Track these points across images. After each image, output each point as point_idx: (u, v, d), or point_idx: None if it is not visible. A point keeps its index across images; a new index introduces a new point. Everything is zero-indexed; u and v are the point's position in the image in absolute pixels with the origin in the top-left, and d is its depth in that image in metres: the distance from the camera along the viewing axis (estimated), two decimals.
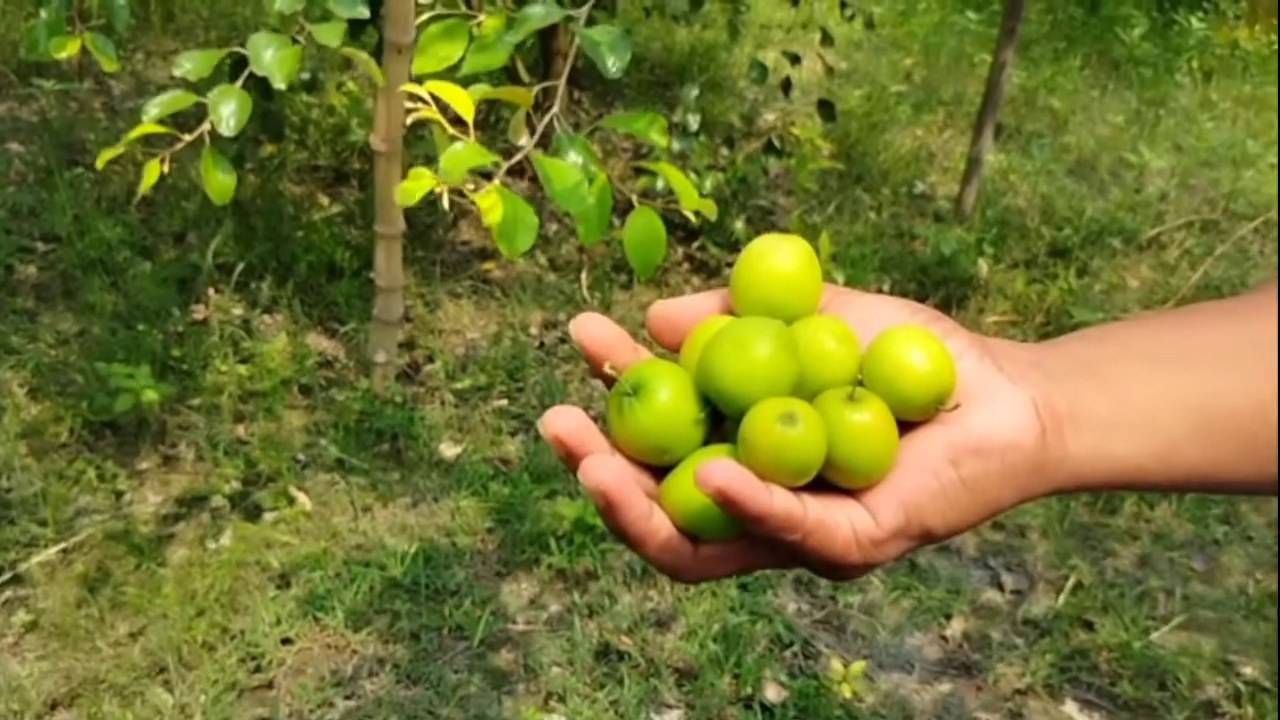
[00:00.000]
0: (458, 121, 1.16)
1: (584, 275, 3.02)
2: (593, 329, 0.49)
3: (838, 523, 0.45)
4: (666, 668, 1.97)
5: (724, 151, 3.40)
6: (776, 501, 0.43)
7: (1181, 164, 3.95)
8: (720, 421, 0.49)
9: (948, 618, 2.15)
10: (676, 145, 3.18)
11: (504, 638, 2.01)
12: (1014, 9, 3.17)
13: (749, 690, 1.94)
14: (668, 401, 0.47)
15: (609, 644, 2.01)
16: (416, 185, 1.08)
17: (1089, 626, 2.16)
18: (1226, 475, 0.50)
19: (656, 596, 2.12)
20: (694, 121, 3.14)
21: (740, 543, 0.47)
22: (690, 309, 0.52)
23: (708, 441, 0.48)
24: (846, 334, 0.49)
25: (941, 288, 3.07)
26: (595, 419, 0.46)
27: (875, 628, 2.12)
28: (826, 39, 3.21)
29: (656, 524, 0.46)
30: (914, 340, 0.47)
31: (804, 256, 0.51)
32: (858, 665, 1.97)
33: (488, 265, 3.04)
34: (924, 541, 0.47)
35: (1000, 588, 2.24)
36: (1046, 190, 3.66)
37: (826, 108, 3.17)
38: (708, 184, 3.15)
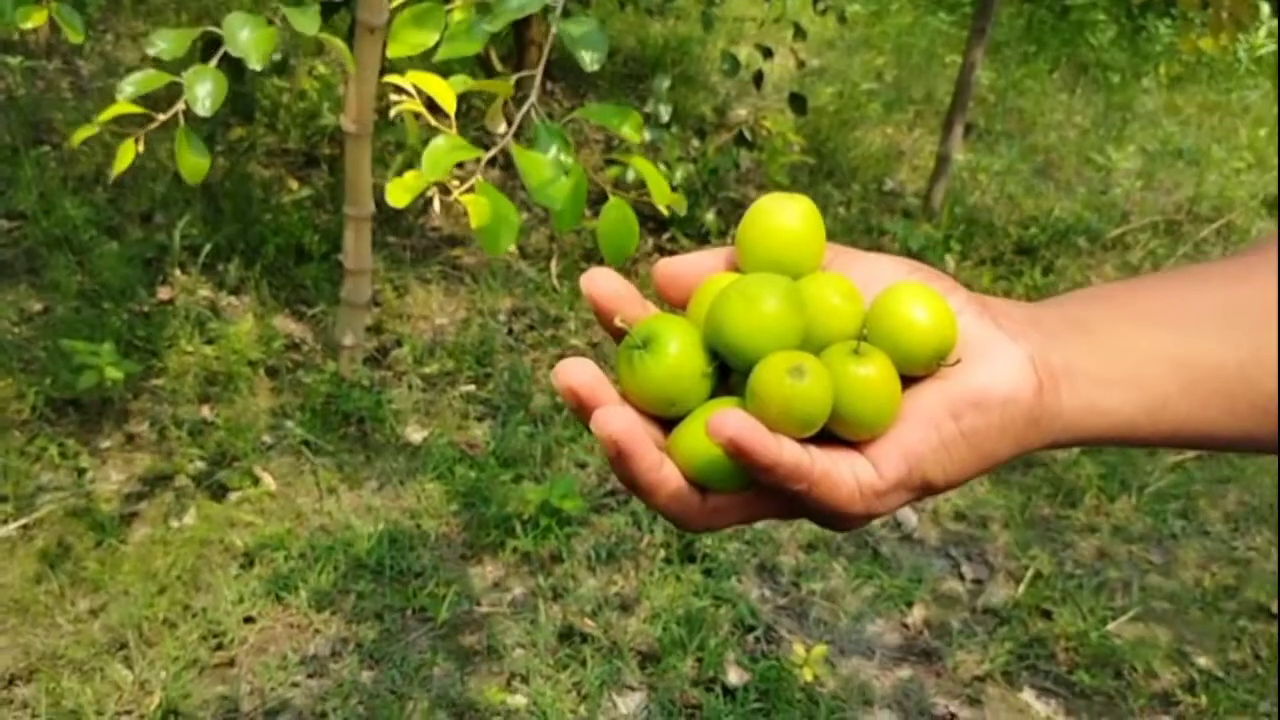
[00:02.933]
0: (436, 110, 1.16)
1: (554, 263, 3.02)
2: (603, 284, 0.50)
3: (842, 473, 0.46)
4: (629, 650, 1.98)
5: (695, 143, 3.41)
6: (785, 452, 0.44)
7: (1146, 166, 4.00)
8: (727, 375, 0.50)
9: (909, 605, 2.17)
10: (648, 136, 3.19)
11: (468, 619, 2.01)
12: (984, 11, 3.20)
13: (711, 673, 1.95)
14: (677, 354, 0.48)
15: (572, 626, 2.01)
16: (407, 189, 1.08)
17: (1047, 616, 2.18)
18: (1211, 431, 0.52)
19: (620, 580, 2.12)
20: (666, 113, 3.15)
21: (747, 493, 0.48)
22: (696, 266, 0.52)
23: (715, 395, 0.49)
24: (851, 290, 0.50)
25: None
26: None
27: (837, 614, 2.13)
28: (799, 33, 3.22)
29: (666, 474, 0.46)
30: (917, 296, 0.48)
31: (809, 215, 0.51)
32: (819, 649, 1.99)
33: (457, 251, 3.03)
34: (924, 493, 0.48)
35: (961, 577, 2.26)
36: (1014, 189, 3.70)
37: (798, 101, 3.18)
38: (679, 175, 3.16)
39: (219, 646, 1.90)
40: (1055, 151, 4.05)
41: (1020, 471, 2.54)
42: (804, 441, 0.46)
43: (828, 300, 0.49)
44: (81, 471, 2.18)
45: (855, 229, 3.34)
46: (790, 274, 0.50)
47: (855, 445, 0.48)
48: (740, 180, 3.52)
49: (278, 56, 3.07)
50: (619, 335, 0.50)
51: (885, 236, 3.30)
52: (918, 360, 0.48)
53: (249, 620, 1.95)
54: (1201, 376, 0.51)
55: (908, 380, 0.48)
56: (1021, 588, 2.23)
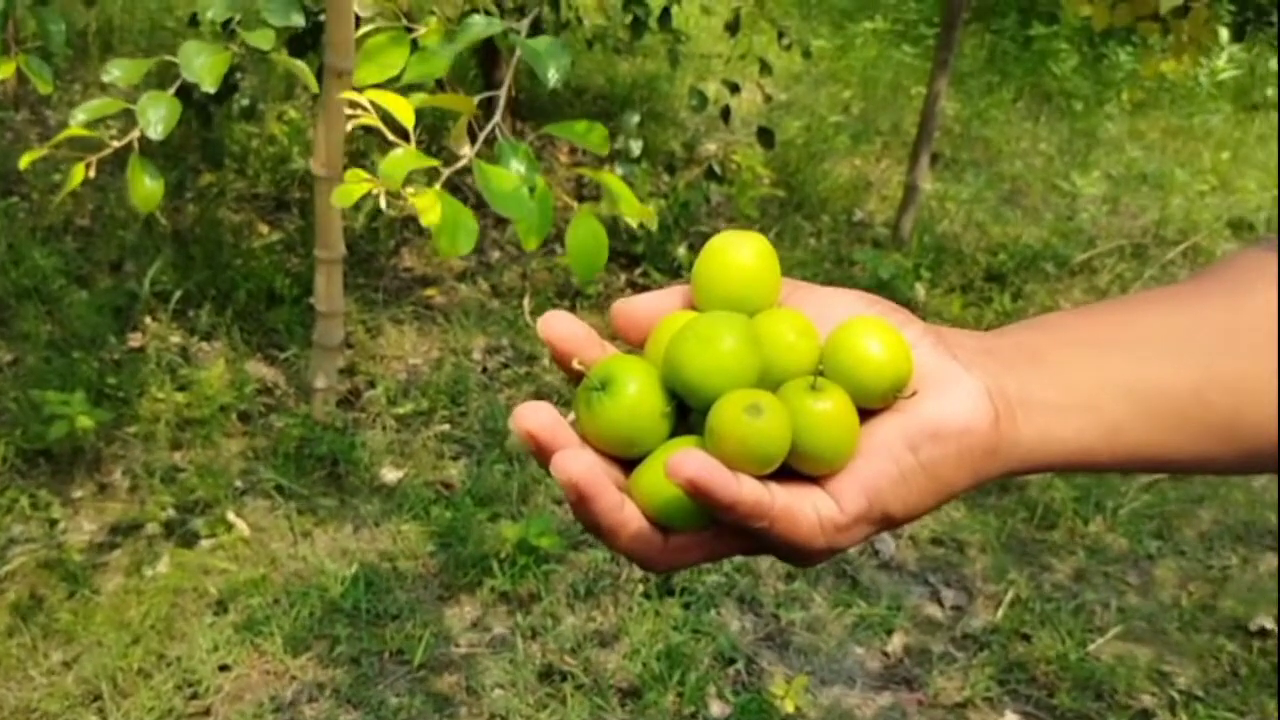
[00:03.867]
0: (398, 131, 1.17)
1: (526, 300, 3.03)
2: (559, 326, 0.50)
3: (803, 509, 0.46)
4: (610, 687, 1.96)
5: (666, 178, 3.43)
6: (745, 490, 0.44)
7: (1112, 191, 4.05)
8: (686, 414, 0.49)
9: (889, 633, 2.17)
10: (619, 171, 3.21)
11: (446, 660, 2.00)
12: (947, 43, 3.25)
13: (693, 708, 1.94)
14: (635, 395, 0.48)
15: (552, 664, 2.00)
16: (354, 188, 1.08)
17: (1027, 639, 2.18)
18: (1168, 454, 0.52)
19: (600, 616, 2.11)
20: (636, 148, 3.18)
21: (709, 531, 0.48)
22: (653, 306, 0.52)
23: (675, 434, 0.49)
24: (807, 326, 0.50)
25: None
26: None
27: (818, 643, 2.13)
28: (765, 69, 3.26)
29: (628, 515, 0.46)
30: (872, 330, 0.48)
31: (763, 252, 0.52)
32: (800, 680, 1.98)
33: (430, 291, 3.04)
34: (886, 525, 0.48)
35: (940, 603, 2.26)
36: (981, 217, 3.74)
37: (766, 135, 3.21)
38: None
39: (194, 695, 1.87)
40: (1021, 179, 4.09)
41: (996, 495, 2.55)
42: (764, 478, 0.46)
43: (784, 337, 0.49)
44: (53, 522, 2.16)
45: (826, 259, 3.36)
46: (746, 311, 0.50)
47: (815, 480, 0.48)
48: (711, 214, 3.54)
49: (245, 102, 3.08)
50: (578, 377, 0.50)
51: (855, 267, 3.32)
52: (874, 394, 0.48)
53: (224, 668, 1.93)
54: (1155, 400, 0.51)
55: (865, 414, 0.48)
56: (1000, 612, 2.24)
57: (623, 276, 3.20)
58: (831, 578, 2.29)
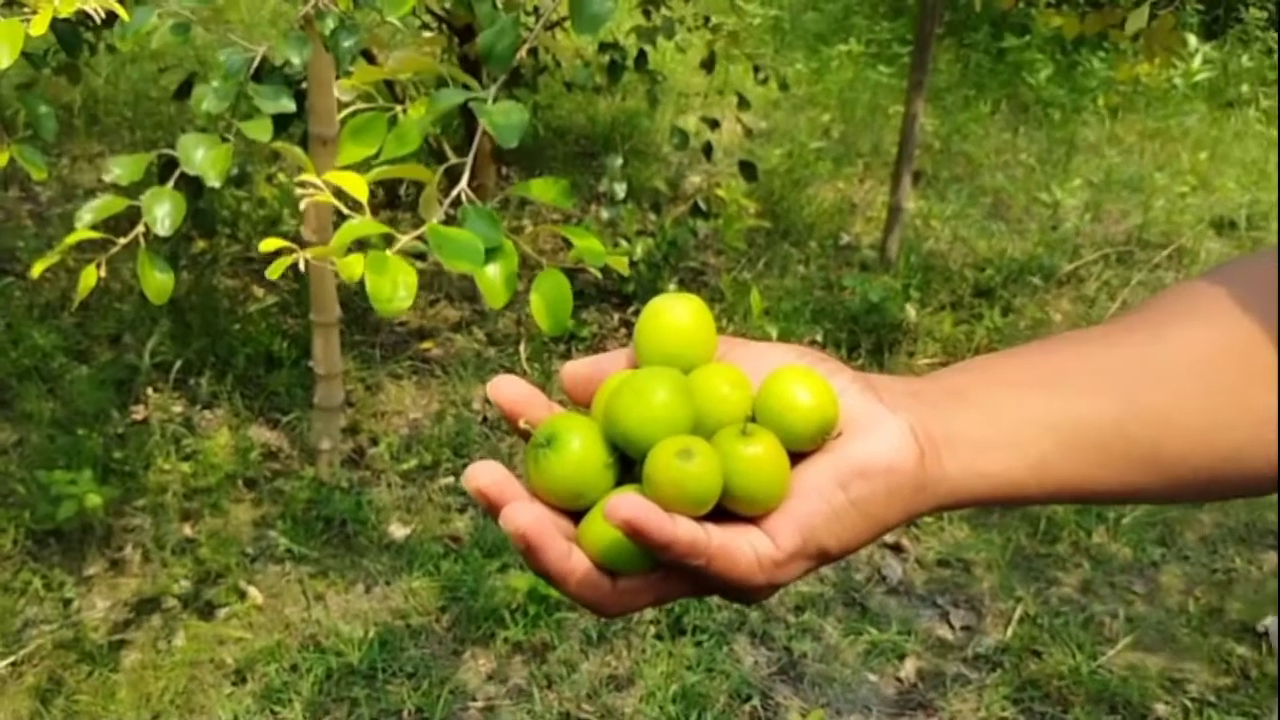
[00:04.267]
0: (356, 204, 1.20)
1: (522, 347, 3.06)
2: (507, 390, 0.54)
3: (740, 547, 0.49)
4: None
5: (652, 217, 3.47)
6: (680, 529, 0.47)
7: (1094, 198, 4.09)
8: (630, 467, 0.53)
9: (901, 658, 2.19)
10: (605, 214, 3.25)
11: (464, 715, 2.02)
12: (921, 62, 3.29)
13: None
14: (579, 450, 0.51)
15: (570, 713, 2.02)
16: (281, 261, 1.13)
17: (1038, 655, 2.20)
18: (1093, 486, 0.55)
19: (614, 661, 2.13)
20: (621, 190, 3.21)
21: (655, 574, 0.50)
22: (599, 366, 0.56)
23: (619, 484, 0.52)
24: (740, 379, 0.54)
25: (872, 334, 3.15)
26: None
27: (831, 674, 2.15)
28: (743, 103, 3.30)
29: (575, 562, 0.49)
30: (798, 379, 0.52)
31: (697, 312, 0.56)
32: (817, 713, 2.00)
33: (426, 344, 3.07)
34: (822, 560, 0.51)
35: (950, 624, 2.28)
36: (966, 233, 3.77)
37: (748, 168, 3.25)
38: (639, 250, 3.21)
39: None
40: (1004, 192, 4.13)
41: (998, 514, 2.58)
42: (703, 520, 0.49)
43: (717, 389, 0.53)
44: (68, 602, 2.18)
45: (815, 286, 3.40)
46: (684, 367, 0.54)
47: (752, 520, 0.51)
48: (699, 248, 3.58)
49: (234, 170, 3.12)
50: (526, 436, 0.53)
51: (845, 291, 3.35)
52: (803, 437, 0.51)
53: None
54: (1078, 435, 0.54)
55: (797, 457, 0.52)
56: (1010, 629, 2.26)
57: (615, 316, 3.23)
58: (841, 606, 2.31)
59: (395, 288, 1.19)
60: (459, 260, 1.14)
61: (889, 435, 0.51)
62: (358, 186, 1.21)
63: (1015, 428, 0.54)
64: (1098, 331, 0.59)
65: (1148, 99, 5.03)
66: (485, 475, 0.50)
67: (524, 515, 0.48)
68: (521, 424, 0.53)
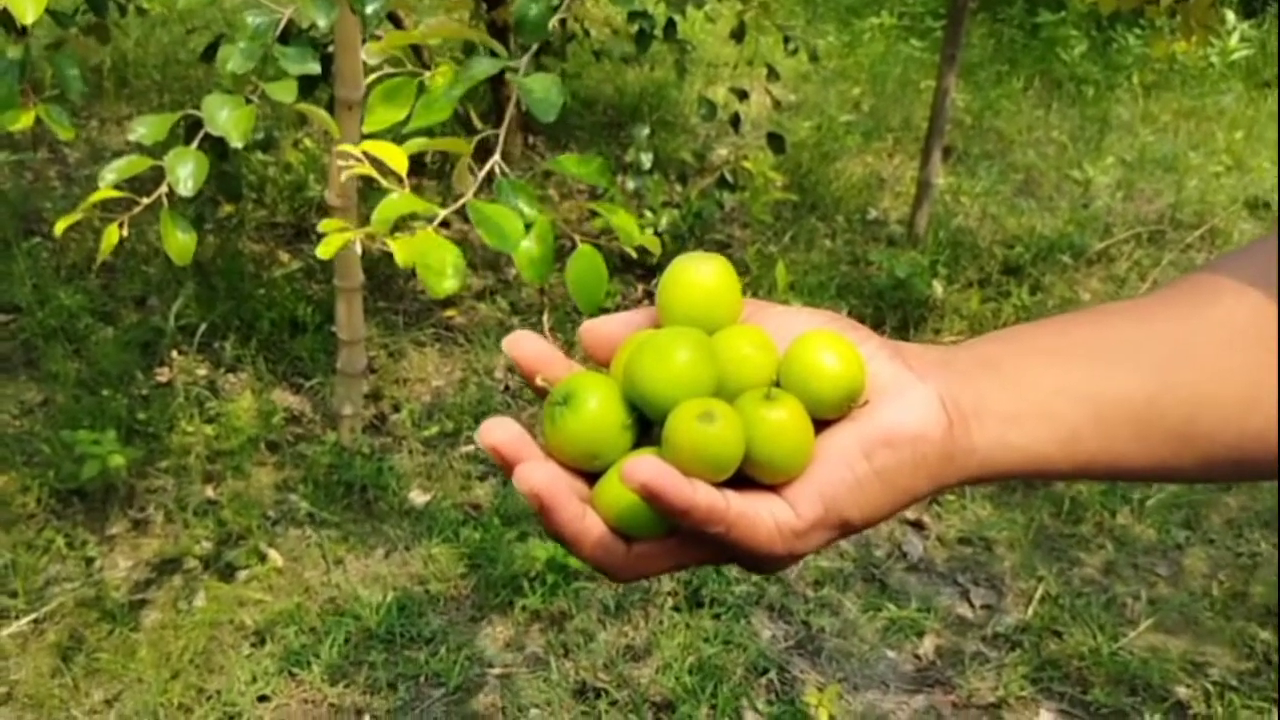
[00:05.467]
0: (394, 176, 1.19)
1: (546, 317, 3.05)
2: (525, 346, 0.52)
3: (760, 515, 0.48)
4: (645, 702, 1.98)
5: (678, 188, 3.45)
6: (699, 494, 0.45)
7: (1126, 177, 4.03)
8: (648, 428, 0.51)
9: (920, 635, 2.18)
10: (631, 184, 3.23)
11: (481, 682, 2.02)
12: (954, 36, 3.25)
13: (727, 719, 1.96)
14: (596, 409, 0.50)
15: (586, 682, 2.02)
16: (334, 239, 1.11)
17: (1059, 636, 2.19)
18: (1124, 463, 0.54)
19: (631, 631, 2.13)
20: (647, 160, 3.19)
21: (671, 540, 0.49)
22: (620, 326, 0.55)
23: (637, 446, 0.51)
24: (764, 341, 0.52)
25: (898, 310, 3.12)
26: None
27: (849, 649, 2.14)
28: (772, 74, 3.27)
29: (589, 524, 0.48)
30: (826, 343, 0.50)
31: (723, 271, 0.54)
32: (833, 688, 1.99)
33: (450, 312, 3.06)
34: (844, 531, 0.50)
35: (970, 602, 2.27)
36: (996, 210, 3.73)
37: (776, 141, 3.22)
38: (663, 221, 3.19)
39: None
40: (1035, 169, 4.08)
41: (1021, 492, 2.56)
42: (722, 486, 0.48)
43: (740, 350, 0.51)
44: (90, 561, 2.20)
45: (842, 261, 3.37)
46: (707, 328, 0.52)
47: (773, 488, 0.49)
48: (725, 221, 3.55)
49: (261, 134, 3.12)
50: (542, 394, 0.52)
51: (872, 266, 3.33)
52: (828, 403, 0.50)
53: (263, 699, 1.95)
54: (1110, 408, 0.52)
55: (821, 424, 0.50)
56: (1031, 609, 2.24)
57: (640, 288, 3.22)
58: (860, 582, 2.30)
59: (445, 269, 1.18)
60: (499, 238, 1.13)
61: (917, 403, 0.50)
62: (398, 159, 1.19)
63: (1047, 399, 0.52)
64: (1133, 305, 0.57)
65: (1183, 77, 4.96)
66: (500, 432, 0.48)
67: (538, 474, 0.47)
68: (538, 381, 0.52)
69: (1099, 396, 0.53)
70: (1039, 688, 2.07)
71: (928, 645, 2.16)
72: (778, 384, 0.50)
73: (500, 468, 0.49)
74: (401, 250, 1.05)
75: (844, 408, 0.50)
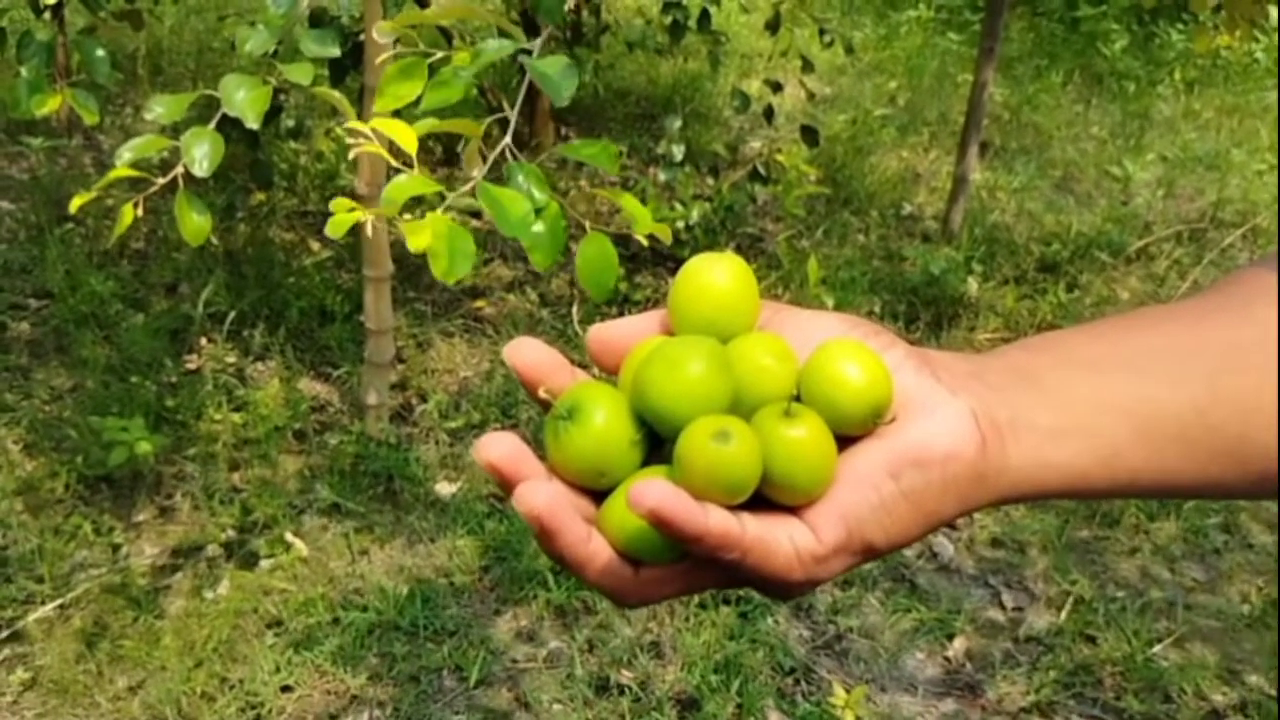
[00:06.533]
0: (404, 156, 1.17)
1: (575, 309, 3.03)
2: (526, 354, 0.49)
3: (778, 540, 0.45)
4: (667, 700, 1.96)
5: (710, 181, 3.42)
6: (712, 521, 0.43)
7: (1167, 175, 3.97)
8: (659, 443, 0.48)
9: (949, 637, 2.14)
10: (663, 176, 3.20)
11: (502, 675, 2.01)
12: (992, 29, 3.20)
13: (751, 719, 1.93)
14: (603, 424, 0.47)
15: (608, 678, 2.00)
16: (342, 218, 1.09)
17: (1091, 641, 2.15)
18: (1170, 480, 0.50)
19: (655, 628, 2.11)
20: (679, 152, 3.17)
21: (681, 564, 0.46)
22: (629, 331, 0.51)
23: (646, 463, 0.48)
24: (783, 350, 0.48)
25: (932, 307, 3.08)
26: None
27: (876, 650, 2.11)
28: (807, 66, 3.23)
29: (595, 548, 0.45)
30: (849, 354, 0.47)
31: (739, 274, 0.50)
32: (859, 690, 1.96)
33: (479, 303, 3.05)
34: (867, 556, 0.47)
35: (1001, 605, 2.23)
36: (1033, 206, 3.68)
37: (810, 134, 3.19)
38: (695, 214, 3.16)
39: (257, 717, 1.90)
40: (1074, 165, 4.02)
41: None
42: (738, 508, 0.45)
43: (758, 361, 0.48)
44: (116, 547, 2.20)
45: (875, 256, 3.33)
46: (721, 335, 0.49)
47: (792, 510, 0.46)
48: (757, 214, 3.52)
49: (292, 122, 3.11)
50: (546, 406, 0.49)
51: (906, 262, 3.28)
52: (852, 419, 0.46)
53: (286, 689, 1.95)
54: (1156, 422, 0.49)
55: (845, 441, 0.47)
56: (1063, 614, 2.20)
57: (669, 281, 3.18)
58: (889, 582, 2.27)
59: (454, 256, 1.16)
60: (507, 222, 1.11)
61: (948, 420, 0.47)
62: (406, 138, 1.18)
63: (1088, 413, 0.49)
64: (1176, 309, 0.54)
65: (1226, 73, 4.87)
66: (497, 448, 0.45)
67: (540, 496, 0.43)
68: (541, 392, 0.49)
69: (1144, 409, 0.49)
70: (1070, 693, 2.03)
71: (957, 647, 2.12)
72: (798, 398, 0.47)
73: (500, 486, 0.46)
74: (413, 235, 1.03)
75: (869, 424, 0.47)
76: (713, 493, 0.44)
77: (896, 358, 0.48)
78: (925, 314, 3.06)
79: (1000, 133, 4.21)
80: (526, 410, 2.65)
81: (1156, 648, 2.12)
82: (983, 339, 3.02)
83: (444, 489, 2.42)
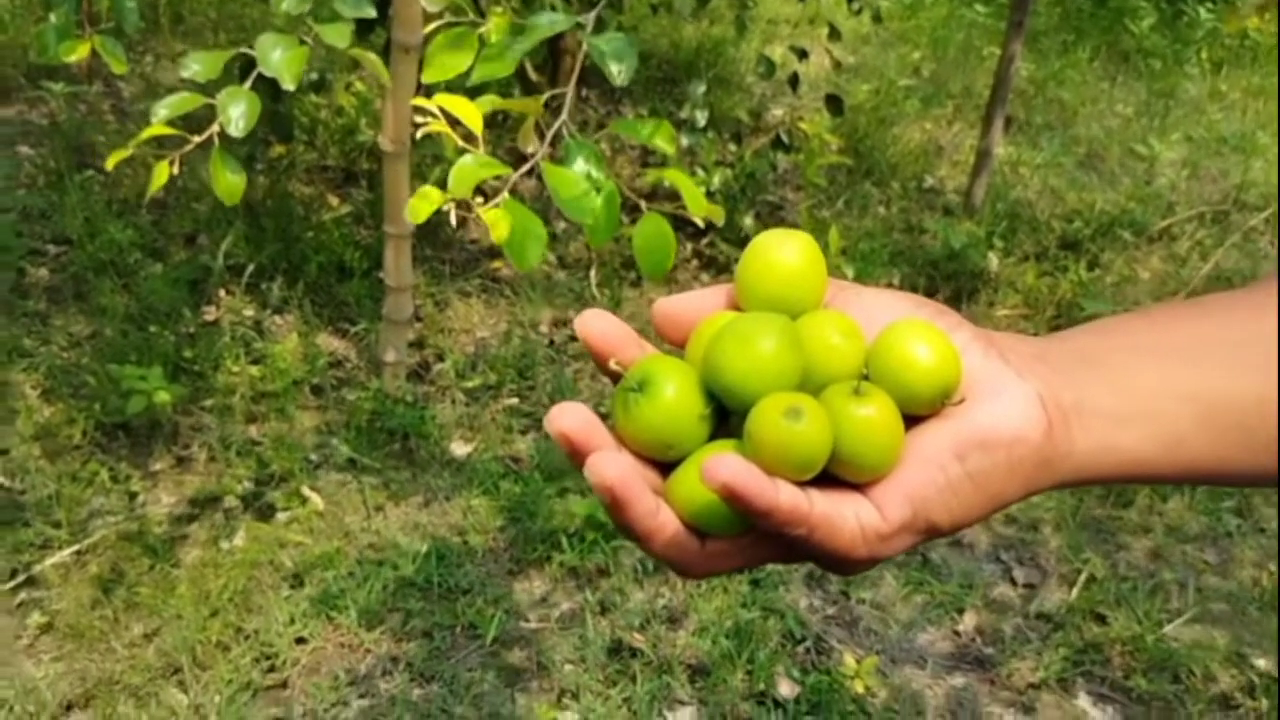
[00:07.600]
0: (466, 134, 1.16)
1: (593, 273, 3.02)
2: (598, 325, 0.49)
3: (844, 517, 0.45)
4: (679, 664, 1.97)
5: (732, 147, 3.39)
6: (782, 496, 0.43)
7: (1191, 155, 3.93)
8: (726, 417, 0.49)
9: (960, 612, 2.15)
10: (685, 141, 3.18)
11: (516, 635, 2.02)
12: (1021, 2, 3.16)
13: (761, 686, 1.95)
14: (673, 397, 0.47)
15: (621, 641, 2.01)
16: (424, 204, 1.08)
17: (1102, 620, 2.15)
18: (1229, 468, 0.50)
19: (668, 593, 2.12)
20: (701, 118, 3.15)
21: (747, 537, 0.47)
22: (695, 305, 0.52)
23: (714, 437, 0.48)
24: (852, 328, 0.49)
25: (951, 281, 3.07)
26: (604, 416, 0.46)
27: (887, 623, 2.11)
28: (834, 33, 3.20)
29: (663, 520, 0.46)
30: (919, 334, 0.47)
31: (809, 251, 0.51)
32: (870, 661, 1.97)
33: (497, 264, 3.04)
34: (930, 536, 0.47)
35: (1013, 582, 2.24)
36: (1056, 183, 3.65)
37: (834, 102, 3.16)
38: (716, 180, 3.15)
39: (271, 669, 1.91)
40: (1098, 142, 3.99)
41: None
42: (805, 484, 0.45)
43: (827, 339, 0.48)
44: (133, 495, 2.21)
45: (895, 228, 3.31)
46: (790, 312, 0.49)
47: (858, 487, 0.47)
48: (778, 182, 3.50)
49: (314, 75, 3.09)
50: (615, 378, 0.49)
51: (926, 235, 3.27)
52: (921, 400, 0.47)
53: (300, 641, 1.96)
54: (1219, 411, 0.49)
55: (911, 420, 0.47)
56: (1075, 592, 2.21)
57: (689, 246, 3.18)
58: (901, 556, 2.27)
59: (528, 242, 1.16)
60: (575, 208, 1.10)
61: (1016, 403, 0.47)
62: (473, 116, 1.16)
63: (1153, 399, 0.49)
64: (1231, 299, 0.54)
65: (1255, 54, 4.82)
66: (570, 418, 0.46)
67: (611, 467, 0.44)
68: (612, 364, 0.49)
69: (1208, 398, 0.49)
70: (1079, 670, 2.04)
71: (968, 622, 2.13)
72: (866, 376, 0.47)
73: (569, 456, 0.46)
74: (495, 225, 1.03)
75: (937, 404, 0.47)
76: (783, 469, 0.44)
77: (964, 339, 0.49)
78: (945, 288, 3.05)
79: (1024, 107, 4.18)
80: (544, 372, 2.65)
81: (1167, 628, 2.13)
82: (1001, 315, 3.01)
83: (460, 448, 2.42)
